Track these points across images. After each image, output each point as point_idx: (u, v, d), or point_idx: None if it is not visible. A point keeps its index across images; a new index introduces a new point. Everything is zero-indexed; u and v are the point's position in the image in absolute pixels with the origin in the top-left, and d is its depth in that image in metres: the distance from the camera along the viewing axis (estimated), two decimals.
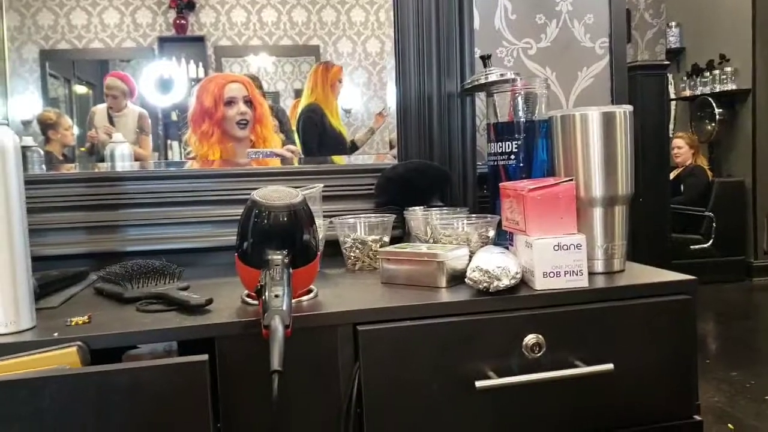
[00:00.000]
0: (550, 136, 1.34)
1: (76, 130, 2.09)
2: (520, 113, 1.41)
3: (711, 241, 5.79)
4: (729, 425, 2.93)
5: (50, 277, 1.26)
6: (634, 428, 1.16)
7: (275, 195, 1.04)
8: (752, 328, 4.64)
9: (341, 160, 2.01)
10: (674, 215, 4.88)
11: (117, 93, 2.09)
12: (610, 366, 1.09)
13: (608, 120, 1.24)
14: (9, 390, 0.83)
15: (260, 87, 2.16)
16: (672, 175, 5.40)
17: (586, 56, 1.88)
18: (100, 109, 2.09)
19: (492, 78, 1.52)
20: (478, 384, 1.04)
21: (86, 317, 1.04)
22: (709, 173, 6.11)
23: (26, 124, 1.93)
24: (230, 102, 2.08)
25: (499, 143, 1.43)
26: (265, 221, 1.02)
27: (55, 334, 0.97)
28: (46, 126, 2.04)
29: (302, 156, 2.07)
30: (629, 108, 1.26)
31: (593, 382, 1.11)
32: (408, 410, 1.06)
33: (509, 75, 1.51)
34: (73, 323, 1.02)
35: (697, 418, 1.19)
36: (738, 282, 5.79)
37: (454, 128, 1.67)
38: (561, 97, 1.87)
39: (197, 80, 2.13)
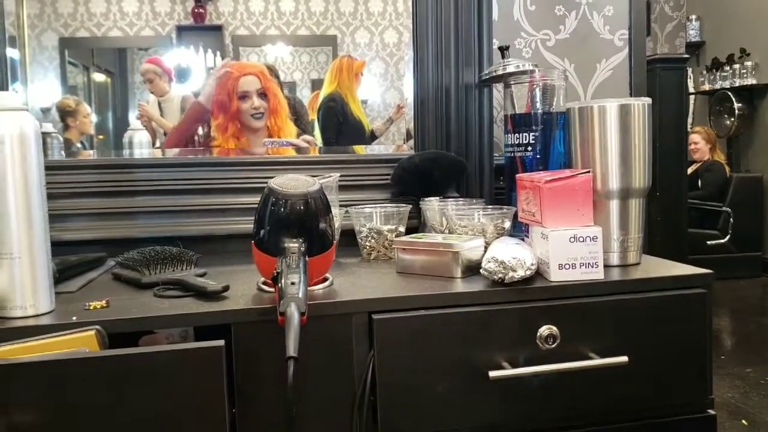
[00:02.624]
0: (567, 128, 1.33)
1: (94, 118, 2.09)
2: (538, 105, 1.40)
3: (728, 237, 5.74)
4: (743, 421, 2.91)
5: (69, 262, 1.28)
6: (648, 421, 1.16)
7: (292, 183, 1.05)
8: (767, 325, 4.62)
9: (361, 150, 2.01)
10: (691, 210, 4.85)
11: (151, 76, 2.09)
12: (624, 358, 1.09)
13: (626, 112, 1.23)
14: (28, 372, 0.84)
15: (277, 77, 2.16)
16: (689, 170, 5.37)
17: (605, 48, 1.88)
18: (152, 99, 2.10)
19: (510, 69, 1.51)
20: (492, 374, 1.04)
21: (104, 302, 1.05)
22: (727, 168, 6.06)
23: (45, 111, 1.94)
24: (244, 96, 2.08)
25: (516, 135, 1.43)
26: (282, 209, 1.03)
27: (74, 317, 0.98)
28: (65, 113, 2.04)
29: (320, 146, 2.07)
30: (647, 100, 1.26)
31: (607, 375, 1.11)
32: (421, 399, 1.06)
33: (527, 66, 1.51)
34: (91, 307, 1.03)
35: (711, 412, 1.19)
36: (754, 278, 5.75)
37: (471, 119, 1.66)
38: (579, 89, 1.87)
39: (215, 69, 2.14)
